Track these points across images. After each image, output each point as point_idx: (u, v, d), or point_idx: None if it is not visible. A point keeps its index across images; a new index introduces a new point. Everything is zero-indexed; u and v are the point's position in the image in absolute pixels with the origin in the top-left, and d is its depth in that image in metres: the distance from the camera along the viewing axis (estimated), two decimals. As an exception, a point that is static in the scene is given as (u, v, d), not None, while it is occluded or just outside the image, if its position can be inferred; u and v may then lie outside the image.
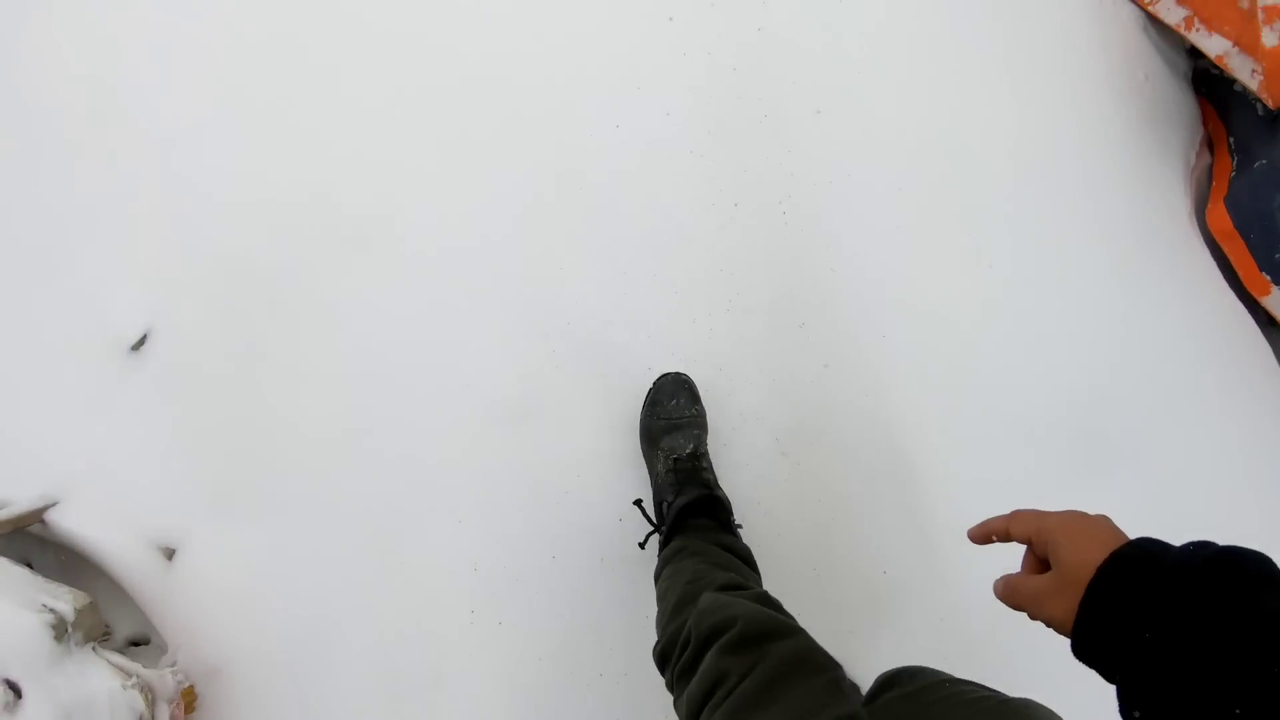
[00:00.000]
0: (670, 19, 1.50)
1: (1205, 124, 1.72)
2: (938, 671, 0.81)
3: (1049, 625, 0.51)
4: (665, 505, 1.21)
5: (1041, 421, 1.36)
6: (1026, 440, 1.36)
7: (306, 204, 1.42)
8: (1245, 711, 0.38)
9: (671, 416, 1.27)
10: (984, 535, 0.59)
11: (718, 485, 1.26)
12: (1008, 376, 1.37)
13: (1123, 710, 0.44)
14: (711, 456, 1.31)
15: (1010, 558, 0.58)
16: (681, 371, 1.33)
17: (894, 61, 1.52)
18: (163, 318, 1.44)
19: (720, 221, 1.37)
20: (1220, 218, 1.56)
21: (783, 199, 1.38)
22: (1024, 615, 0.53)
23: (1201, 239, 1.59)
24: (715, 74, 1.45)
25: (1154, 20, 1.70)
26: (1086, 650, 0.47)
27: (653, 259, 1.35)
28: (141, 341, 1.47)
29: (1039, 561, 0.54)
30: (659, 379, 1.32)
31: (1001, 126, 1.50)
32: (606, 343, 1.34)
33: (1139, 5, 1.71)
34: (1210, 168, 1.68)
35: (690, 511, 1.14)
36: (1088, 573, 0.47)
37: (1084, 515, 0.53)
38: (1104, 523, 0.52)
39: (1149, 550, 0.47)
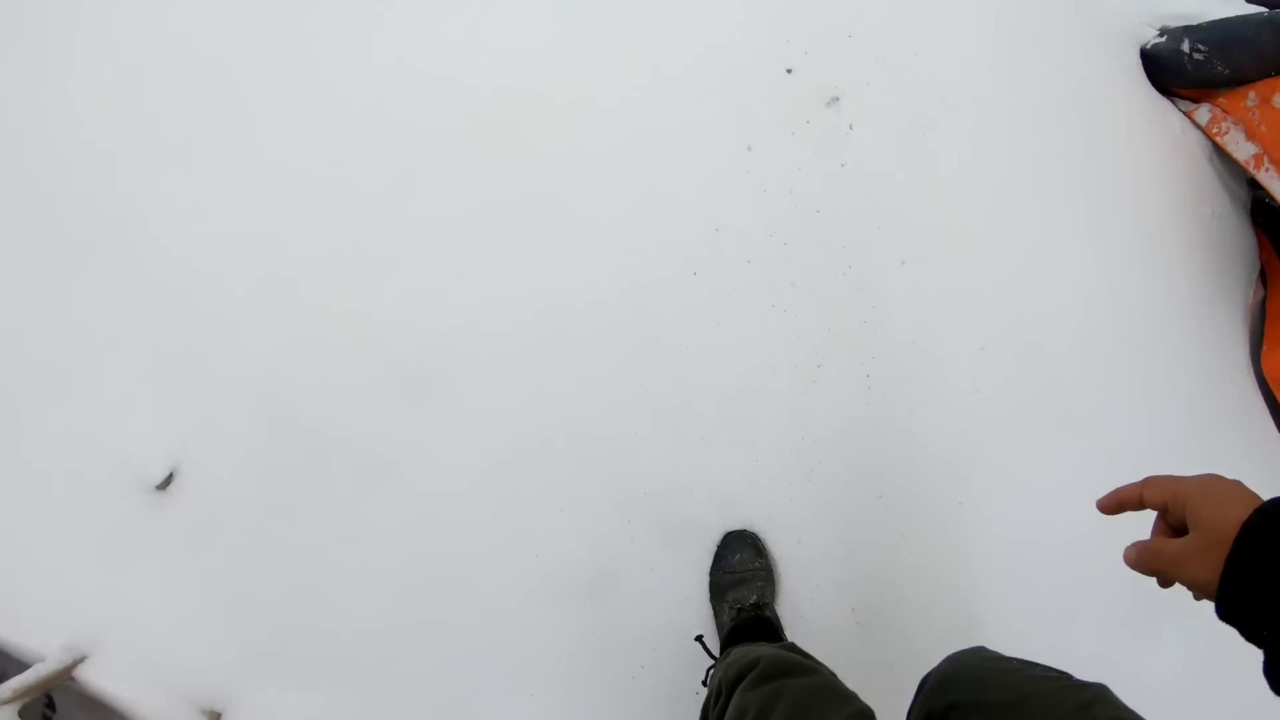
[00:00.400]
0: (749, 148, 1.41)
1: (1260, 253, 1.72)
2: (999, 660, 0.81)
3: (1191, 588, 0.51)
4: None
5: (1111, 585, 1.37)
6: (1095, 606, 1.37)
7: (354, 346, 1.32)
8: None
9: (736, 570, 1.27)
10: (1115, 504, 0.58)
11: (781, 631, 1.26)
12: (1078, 541, 1.37)
13: (1270, 666, 0.45)
14: (787, 626, 1.29)
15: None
16: (746, 528, 1.31)
17: (976, 199, 1.46)
18: (190, 456, 1.34)
19: (804, 385, 1.31)
20: (1277, 364, 1.57)
21: (866, 361, 1.34)
22: (1154, 583, 0.54)
23: (1255, 381, 1.60)
24: (798, 216, 1.38)
25: (1219, 150, 1.68)
26: (1233, 608, 0.47)
27: (733, 425, 1.30)
28: (168, 481, 1.36)
29: (1170, 529, 0.54)
30: (725, 535, 1.31)
31: (1078, 274, 1.47)
32: (683, 513, 1.29)
33: (1206, 135, 1.68)
34: (1264, 303, 1.69)
35: (741, 635, 1.17)
36: (1232, 530, 0.47)
37: (1220, 477, 0.52)
38: (1241, 485, 0.51)
39: None
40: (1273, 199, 1.60)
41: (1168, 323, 1.54)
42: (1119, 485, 0.58)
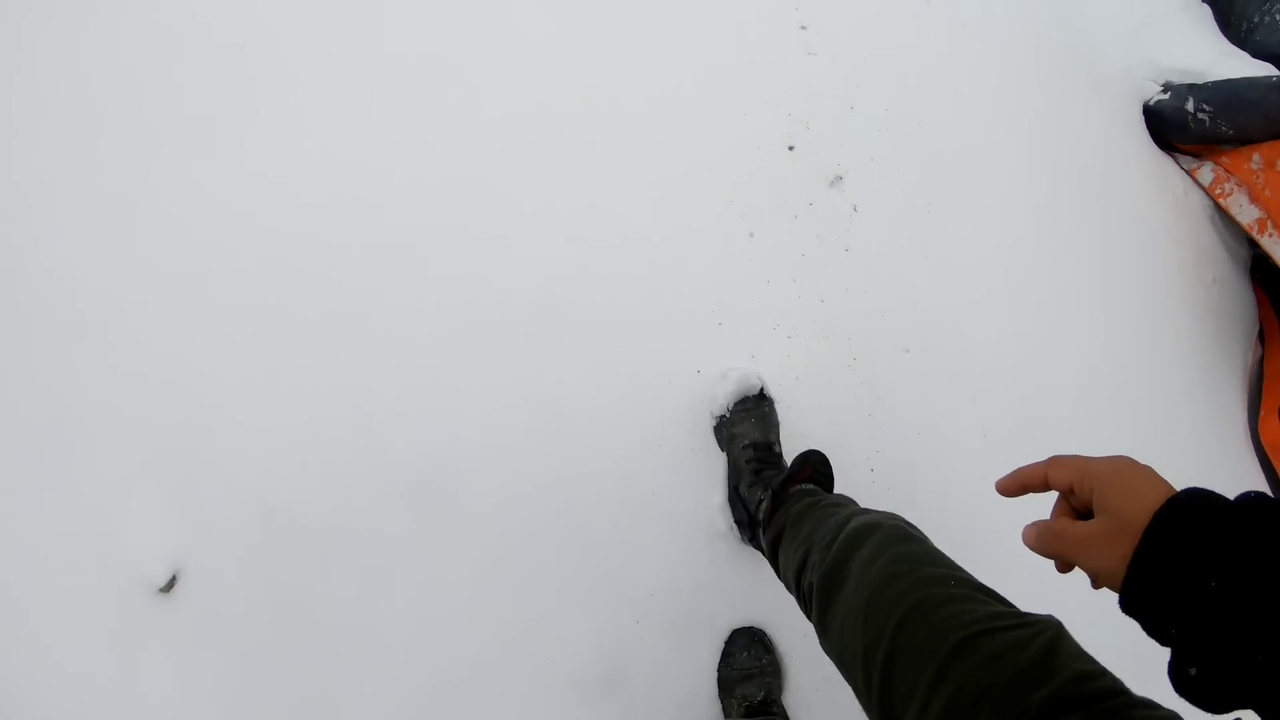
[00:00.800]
0: (751, 235, 1.39)
1: (1259, 311, 1.72)
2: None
3: (1094, 576, 0.49)
4: None
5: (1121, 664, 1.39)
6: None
7: (355, 448, 1.31)
8: None
9: (744, 667, 1.28)
10: (1018, 485, 0.55)
11: None
12: (1090, 625, 1.38)
13: (1176, 667, 0.42)
14: (795, 718, 1.31)
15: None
16: (753, 624, 1.32)
17: (979, 276, 1.45)
18: (193, 558, 1.32)
19: (809, 482, 1.31)
20: (1273, 430, 1.59)
21: (871, 455, 1.33)
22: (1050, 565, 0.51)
23: (1251, 445, 1.62)
24: (802, 306, 1.36)
25: (1222, 211, 1.67)
26: (1139, 602, 0.45)
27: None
28: (171, 584, 1.35)
29: (1073, 511, 0.52)
30: (732, 632, 1.32)
31: (1080, 351, 1.47)
32: (691, 612, 1.29)
33: (1209, 195, 1.67)
34: (1262, 362, 1.69)
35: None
36: (1143, 520, 0.45)
37: (1132, 461, 0.50)
38: (1153, 472, 0.49)
39: (1209, 498, 0.44)
40: (1275, 263, 1.59)
41: (1169, 396, 1.54)
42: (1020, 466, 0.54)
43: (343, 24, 1.39)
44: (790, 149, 1.43)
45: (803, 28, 1.55)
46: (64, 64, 1.36)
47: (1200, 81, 1.65)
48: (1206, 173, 1.67)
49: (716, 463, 1.30)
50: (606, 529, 1.30)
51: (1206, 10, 1.80)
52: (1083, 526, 0.49)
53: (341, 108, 1.36)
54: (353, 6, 1.38)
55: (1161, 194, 1.64)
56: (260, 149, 1.33)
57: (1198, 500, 0.44)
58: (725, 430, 1.25)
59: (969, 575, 0.70)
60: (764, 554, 1.07)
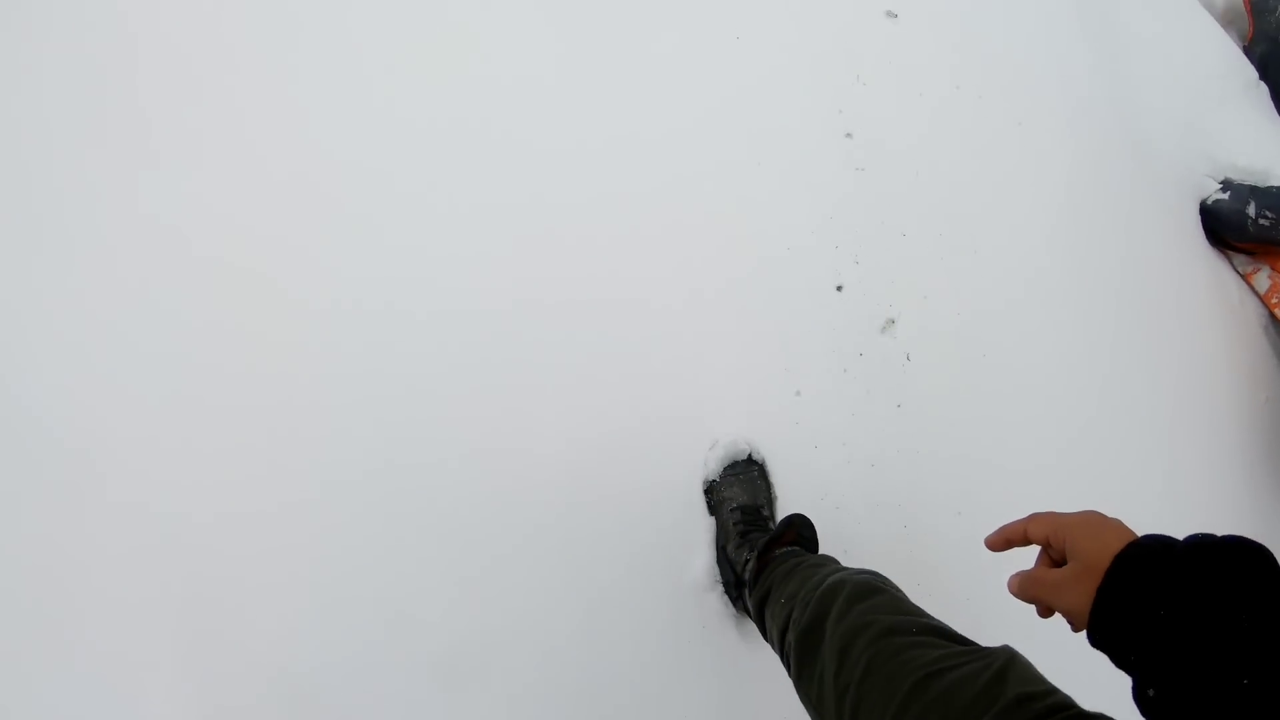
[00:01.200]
0: (798, 393, 1.27)
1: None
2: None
3: (1067, 615, 0.53)
4: None
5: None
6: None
7: (375, 619, 1.22)
8: (1253, 681, 0.41)
9: None
10: (1003, 541, 0.60)
11: None
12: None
13: (1137, 691, 0.46)
14: None
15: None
16: None
17: (1033, 426, 1.37)
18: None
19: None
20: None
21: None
22: (1032, 611, 0.57)
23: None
24: (851, 473, 1.26)
25: (1277, 322, 1.60)
26: (1103, 633, 0.48)
27: (786, 711, 1.25)
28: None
29: (1053, 562, 0.56)
30: None
31: (1136, 495, 1.41)
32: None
33: (1264, 303, 1.59)
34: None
35: None
36: (1107, 560, 0.49)
37: (1100, 514, 0.55)
38: (1120, 522, 0.54)
39: (1162, 540, 0.49)
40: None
41: (1216, 519, 1.50)
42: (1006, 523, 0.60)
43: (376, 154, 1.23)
44: (839, 289, 1.31)
45: (848, 135, 1.41)
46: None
47: (1262, 183, 1.55)
48: (1263, 279, 1.58)
49: (767, 652, 1.24)
50: (651, 711, 1.24)
51: (1265, 90, 1.68)
52: (1055, 572, 0.53)
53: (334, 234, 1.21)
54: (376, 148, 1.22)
55: (1215, 304, 1.55)
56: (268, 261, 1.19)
57: (1154, 542, 0.48)
58: (714, 494, 1.24)
59: (932, 620, 0.75)
60: (749, 615, 1.10)
